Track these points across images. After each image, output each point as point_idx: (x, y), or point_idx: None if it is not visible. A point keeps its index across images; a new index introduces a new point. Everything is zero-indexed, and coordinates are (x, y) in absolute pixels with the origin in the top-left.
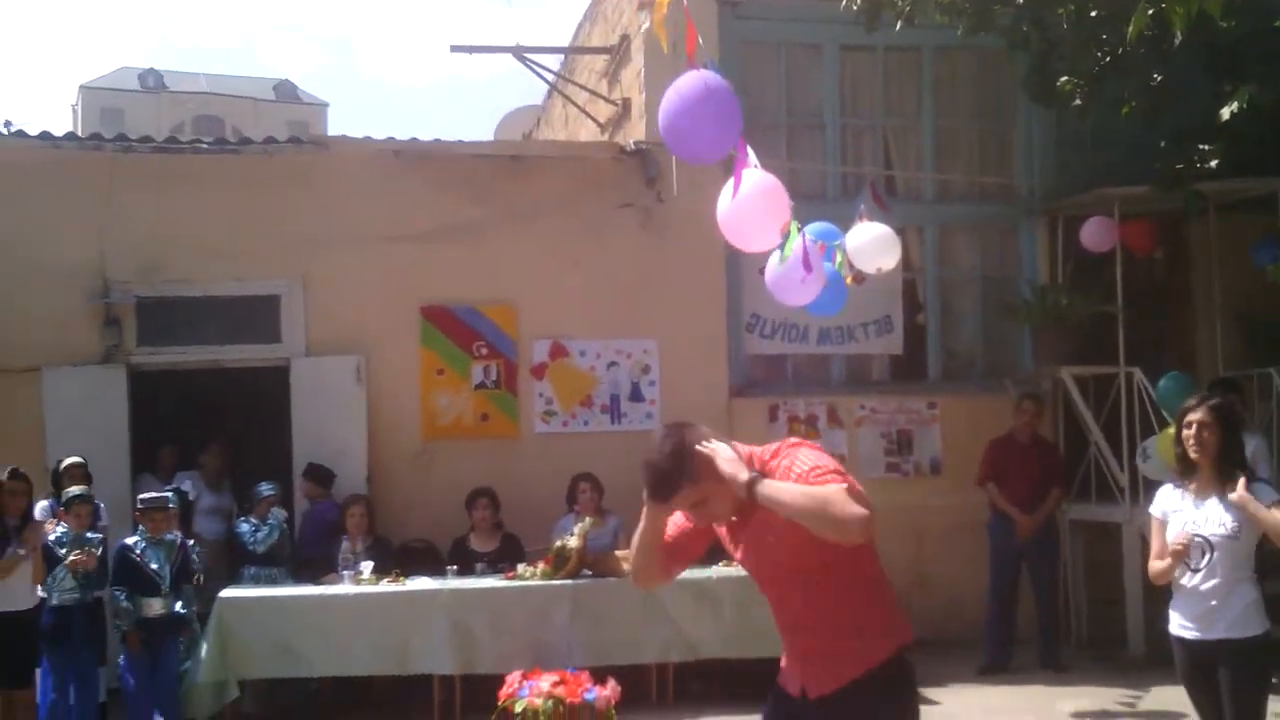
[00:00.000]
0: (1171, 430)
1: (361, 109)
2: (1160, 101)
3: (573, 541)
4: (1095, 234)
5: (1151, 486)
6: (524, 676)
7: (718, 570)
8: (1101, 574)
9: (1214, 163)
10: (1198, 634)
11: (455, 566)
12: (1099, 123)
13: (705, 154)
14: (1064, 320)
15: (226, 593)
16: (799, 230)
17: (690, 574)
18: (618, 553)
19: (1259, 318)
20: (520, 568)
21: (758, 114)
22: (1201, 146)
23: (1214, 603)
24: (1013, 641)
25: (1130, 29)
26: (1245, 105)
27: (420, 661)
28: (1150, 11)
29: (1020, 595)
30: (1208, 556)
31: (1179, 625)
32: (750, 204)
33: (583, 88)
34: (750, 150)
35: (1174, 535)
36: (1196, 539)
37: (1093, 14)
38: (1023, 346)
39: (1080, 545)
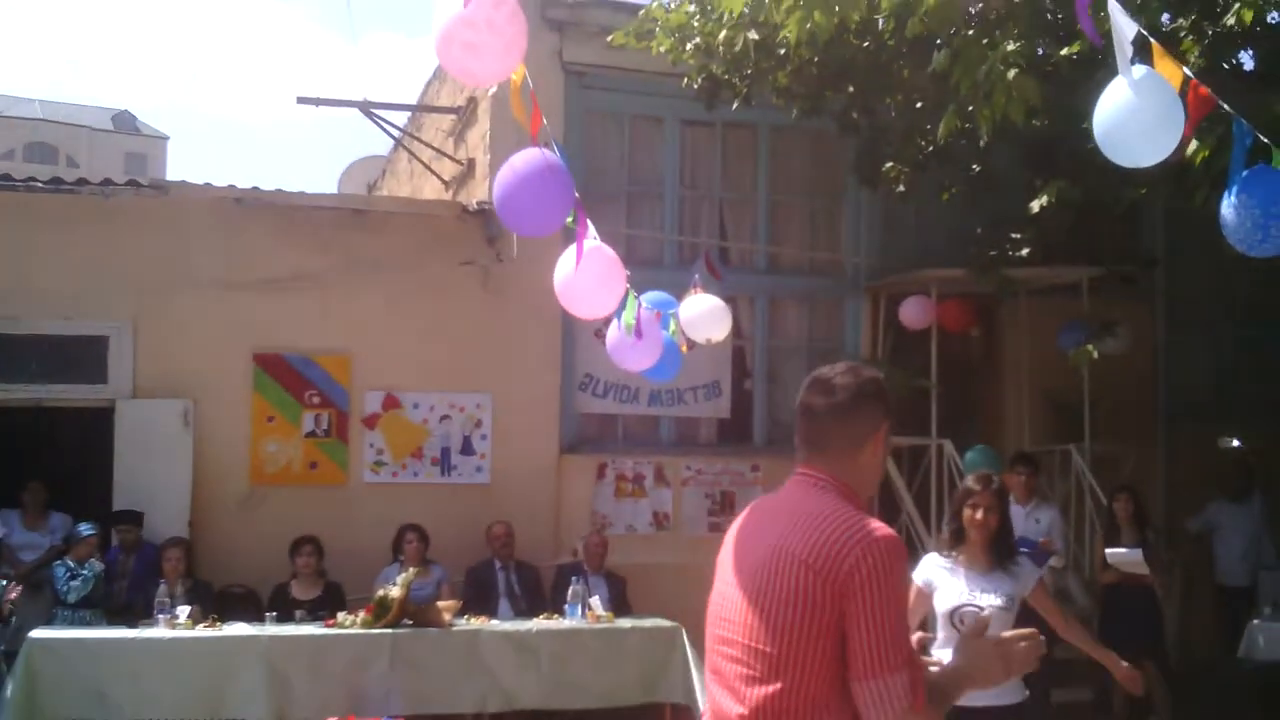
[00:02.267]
0: None
1: (204, 145)
2: (978, 190)
3: (395, 591)
4: (913, 312)
5: None
6: None
7: (538, 624)
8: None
9: (1025, 251)
10: (969, 701)
11: (275, 613)
12: (922, 207)
13: (535, 229)
14: None
15: (36, 633)
16: (635, 299)
17: (510, 625)
18: (440, 603)
19: (1063, 396)
20: (341, 616)
21: (600, 182)
22: (1014, 235)
23: None
24: None
25: (941, 129)
26: (1054, 199)
27: (235, 708)
28: (958, 113)
29: None
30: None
31: None
32: (586, 275)
33: (428, 145)
34: (590, 223)
35: (946, 603)
36: (969, 609)
37: (918, 105)
38: None
39: None
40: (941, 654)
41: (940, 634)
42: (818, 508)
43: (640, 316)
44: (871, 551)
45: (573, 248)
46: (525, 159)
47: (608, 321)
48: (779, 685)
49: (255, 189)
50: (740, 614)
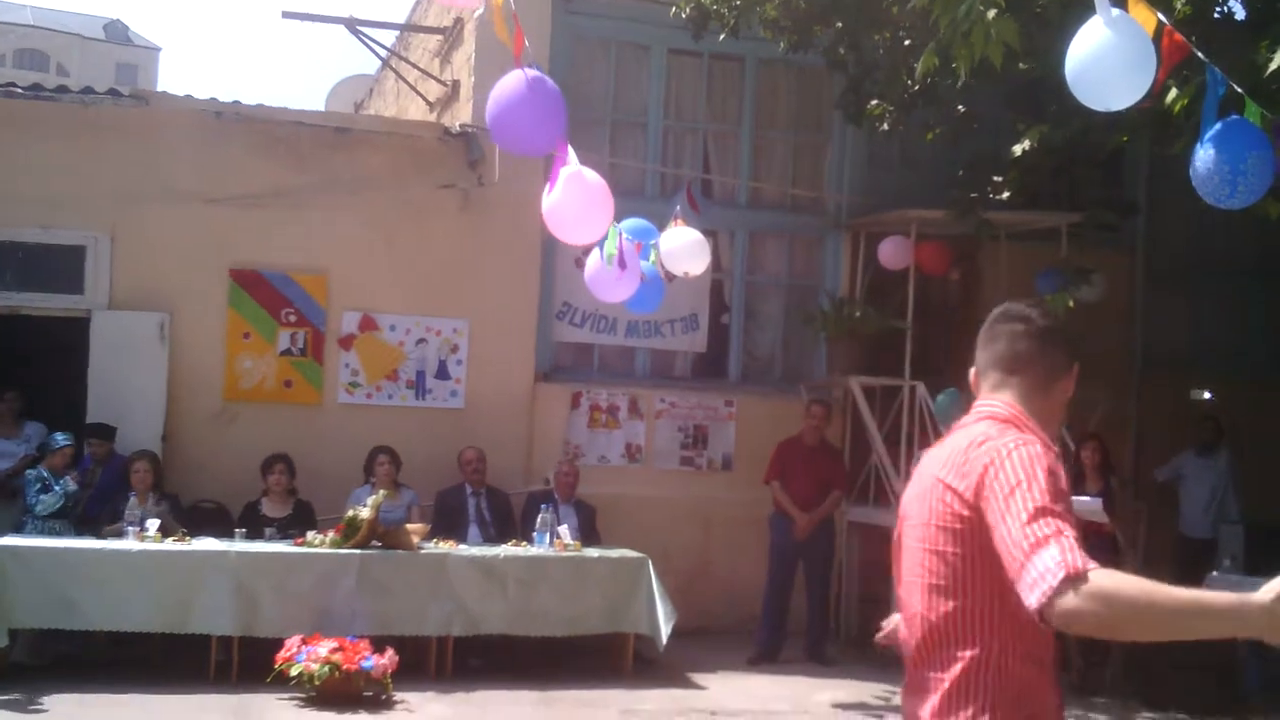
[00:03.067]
0: None
1: (196, 57)
2: (962, 131)
3: (365, 512)
4: (892, 252)
5: None
6: (303, 641)
7: (505, 550)
8: (874, 574)
9: (1006, 194)
10: None
11: (244, 530)
12: (907, 146)
13: (529, 149)
14: (857, 332)
15: (6, 540)
16: (616, 229)
17: (477, 551)
18: (409, 526)
19: None
20: (310, 535)
21: (584, 109)
22: (995, 178)
23: None
24: (784, 634)
25: (919, 68)
26: (1037, 143)
27: (200, 621)
28: (937, 53)
29: (795, 590)
30: None
31: None
32: (576, 198)
33: (414, 65)
34: (571, 150)
35: None
36: None
37: (905, 43)
38: (819, 354)
39: (856, 545)
40: None
41: None
42: (970, 437)
43: (622, 247)
44: (998, 451)
45: (560, 172)
46: (518, 79)
47: (588, 250)
48: (952, 604)
49: (236, 103)
50: (914, 557)
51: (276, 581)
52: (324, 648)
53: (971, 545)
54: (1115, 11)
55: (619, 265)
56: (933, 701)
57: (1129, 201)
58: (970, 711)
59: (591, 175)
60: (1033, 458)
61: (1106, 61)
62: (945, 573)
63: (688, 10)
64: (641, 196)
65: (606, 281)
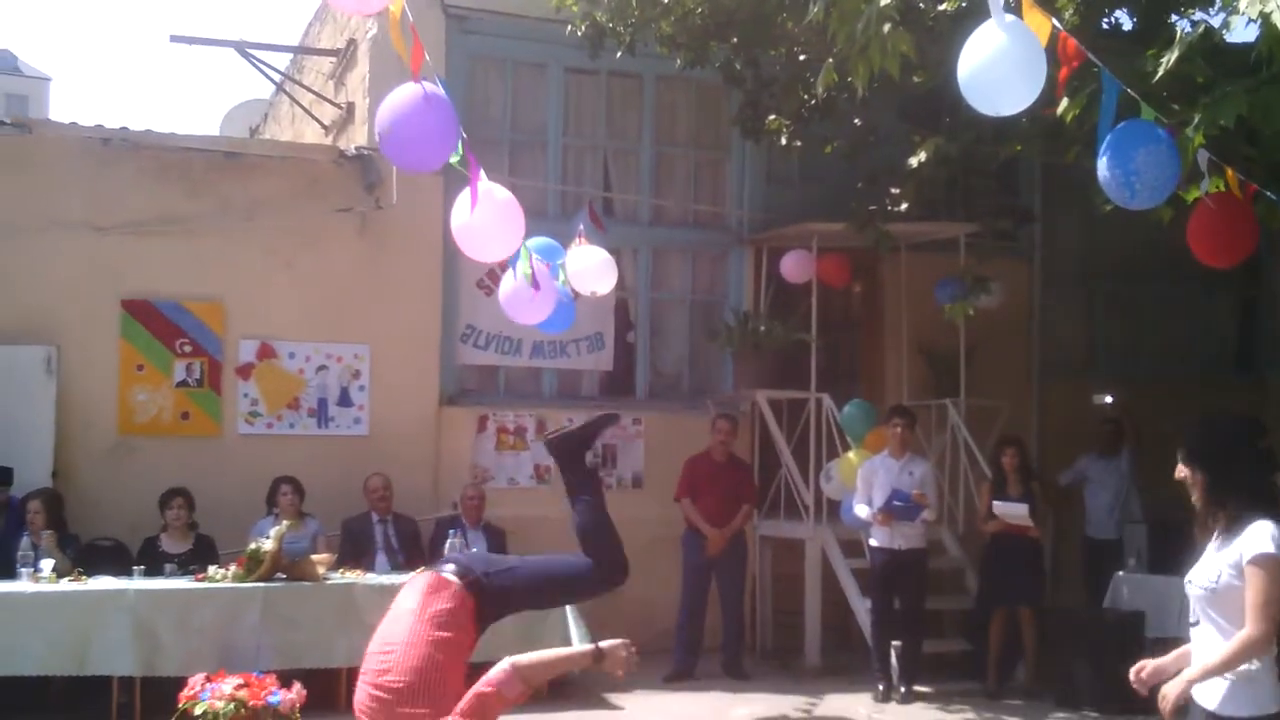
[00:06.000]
0: (852, 454)
1: (87, 87)
2: (860, 145)
3: (268, 544)
4: (793, 266)
5: (834, 506)
6: (207, 679)
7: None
8: (786, 587)
9: (904, 206)
10: None
11: (143, 566)
12: (806, 160)
13: (420, 163)
14: (762, 346)
15: None
16: (526, 249)
17: (385, 579)
18: (314, 557)
19: (940, 351)
20: (211, 569)
21: (482, 129)
22: (893, 190)
23: None
24: (700, 650)
25: (820, 82)
26: (932, 154)
27: (100, 662)
28: (836, 67)
29: (709, 606)
30: None
31: None
32: (487, 217)
33: (308, 89)
34: (479, 165)
35: None
36: None
37: (801, 57)
38: (725, 369)
39: (768, 559)
40: None
41: None
42: None
43: (534, 267)
44: None
45: (465, 192)
46: (407, 92)
47: (490, 274)
48: None
49: (124, 129)
50: None
51: (178, 618)
52: (229, 684)
53: None
54: (1009, 17)
55: (534, 286)
56: None
57: (1024, 210)
58: None
59: (502, 192)
60: None
61: (999, 66)
62: None
63: (583, 28)
64: (544, 216)
65: (522, 303)
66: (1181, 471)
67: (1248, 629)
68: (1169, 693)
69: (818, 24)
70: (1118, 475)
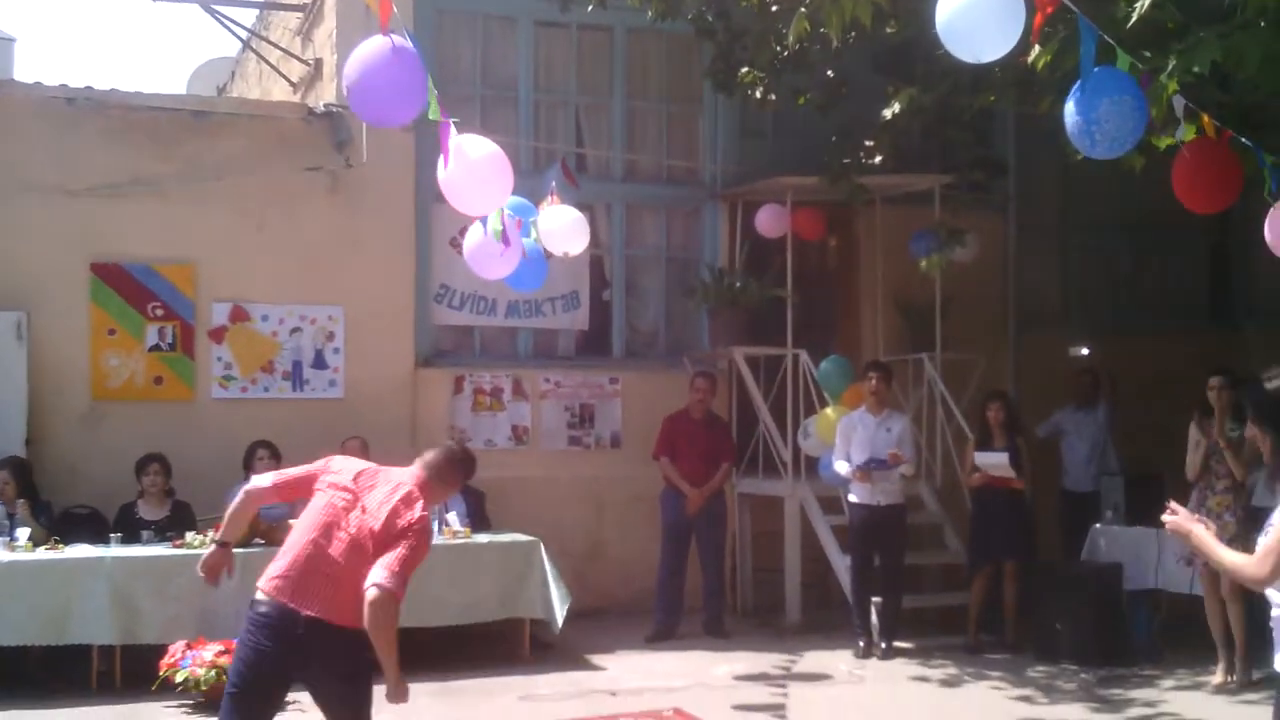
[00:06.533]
0: (830, 410)
1: (52, 47)
2: (833, 97)
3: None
4: (768, 220)
5: (812, 463)
6: (187, 646)
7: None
8: (766, 545)
9: (878, 158)
10: None
11: (120, 534)
12: (779, 113)
13: (388, 116)
14: (738, 302)
15: None
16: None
17: None
18: (292, 522)
19: (916, 305)
20: (189, 536)
21: (452, 84)
22: (867, 143)
23: None
24: (680, 610)
25: (791, 32)
26: (906, 105)
27: (79, 631)
28: (808, 17)
29: (690, 565)
30: None
31: None
32: (477, 166)
33: (275, 45)
34: (452, 121)
35: None
36: None
37: (773, 8)
38: (701, 326)
39: (747, 517)
40: None
41: None
42: None
43: (505, 223)
44: None
45: (455, 145)
46: (375, 44)
47: (463, 231)
48: None
49: (89, 88)
50: None
51: (156, 585)
52: (209, 651)
53: None
54: None
55: (504, 242)
56: None
57: (998, 161)
58: None
59: (488, 144)
60: None
61: (977, 10)
62: None
63: None
64: (516, 172)
65: (488, 258)
66: (1251, 430)
67: (1254, 562)
68: (1185, 524)
69: None
70: (1095, 427)
